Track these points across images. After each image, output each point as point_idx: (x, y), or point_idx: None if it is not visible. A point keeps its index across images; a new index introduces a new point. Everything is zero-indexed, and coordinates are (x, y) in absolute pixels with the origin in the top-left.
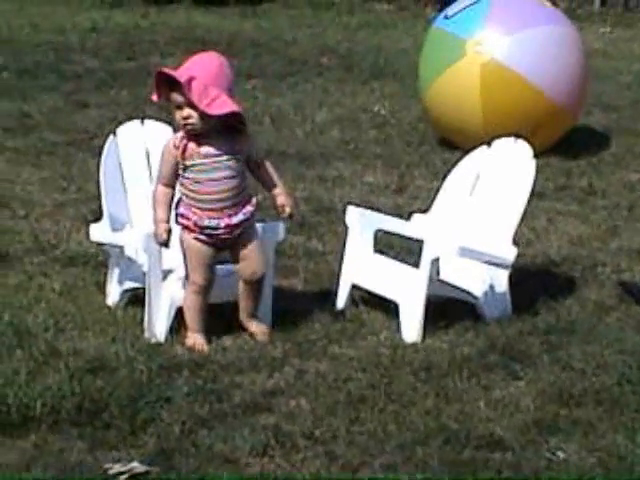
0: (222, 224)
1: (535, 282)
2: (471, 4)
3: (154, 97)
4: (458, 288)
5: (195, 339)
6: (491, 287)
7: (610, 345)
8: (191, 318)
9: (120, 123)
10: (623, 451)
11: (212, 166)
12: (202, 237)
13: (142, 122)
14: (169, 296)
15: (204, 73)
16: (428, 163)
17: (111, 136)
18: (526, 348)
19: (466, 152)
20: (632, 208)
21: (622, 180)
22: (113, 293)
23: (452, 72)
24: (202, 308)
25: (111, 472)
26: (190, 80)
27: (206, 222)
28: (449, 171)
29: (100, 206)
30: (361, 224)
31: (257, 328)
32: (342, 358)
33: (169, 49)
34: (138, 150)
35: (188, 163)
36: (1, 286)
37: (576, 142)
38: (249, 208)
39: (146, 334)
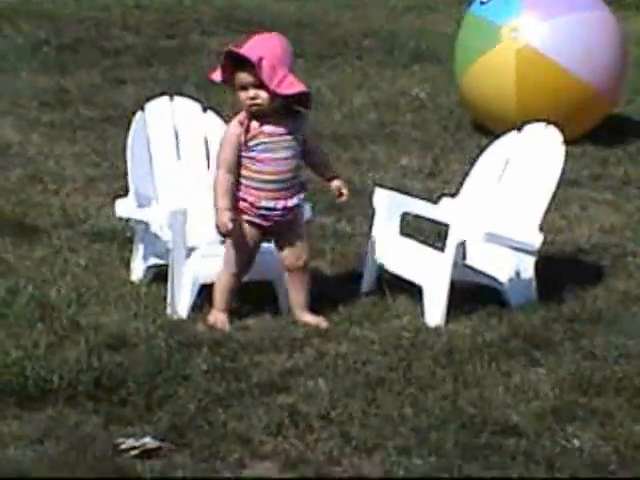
0: (279, 205)
1: (562, 270)
2: None
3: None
4: (483, 273)
5: (217, 317)
6: (517, 273)
7: (634, 335)
8: (220, 298)
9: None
10: (639, 440)
11: (276, 145)
12: (256, 220)
13: (171, 98)
14: (192, 273)
15: (270, 53)
16: (463, 148)
17: (139, 112)
18: (549, 335)
19: (498, 137)
20: None
21: None
22: (137, 269)
23: (487, 58)
24: (233, 290)
25: (123, 447)
26: (260, 60)
27: (263, 203)
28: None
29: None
30: (388, 206)
31: (313, 319)
32: (363, 340)
33: (211, 28)
34: (166, 126)
35: (251, 143)
36: (27, 259)
37: (613, 131)
38: (302, 193)
39: (168, 311)
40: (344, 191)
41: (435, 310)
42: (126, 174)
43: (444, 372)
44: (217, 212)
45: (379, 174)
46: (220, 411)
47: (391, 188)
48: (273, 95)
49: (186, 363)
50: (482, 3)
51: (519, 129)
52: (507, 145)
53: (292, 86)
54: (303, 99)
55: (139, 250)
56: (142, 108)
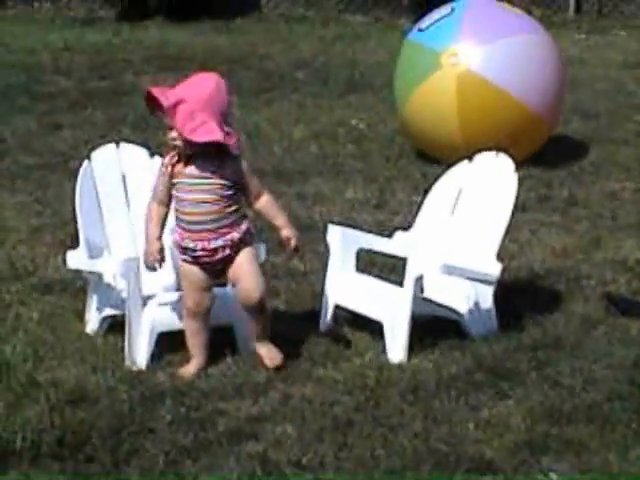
0: (199, 246)
1: (520, 296)
2: (444, 16)
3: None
4: (442, 306)
5: (186, 367)
6: (476, 304)
7: (598, 360)
8: (189, 344)
9: (95, 144)
10: (616, 469)
11: (194, 187)
12: (187, 258)
13: (117, 145)
14: (150, 322)
15: (194, 97)
16: (407, 177)
17: (85, 161)
18: (513, 366)
19: (446, 166)
20: (615, 218)
21: (603, 189)
22: (92, 321)
23: (428, 85)
24: (197, 332)
25: None
26: (176, 104)
27: (185, 242)
28: (429, 185)
29: (77, 231)
30: (343, 243)
31: (266, 353)
32: (327, 381)
33: (143, 67)
34: (113, 174)
35: (174, 181)
36: None
37: (555, 152)
38: (234, 235)
39: (127, 362)
40: (292, 242)
41: (397, 346)
42: (71, 222)
43: (412, 409)
44: (146, 241)
45: (326, 208)
46: (189, 463)
47: (339, 222)
48: (186, 141)
49: (150, 415)
50: (420, 30)
51: (470, 158)
52: (459, 175)
53: (208, 134)
54: (226, 148)
55: (93, 301)
56: (88, 157)
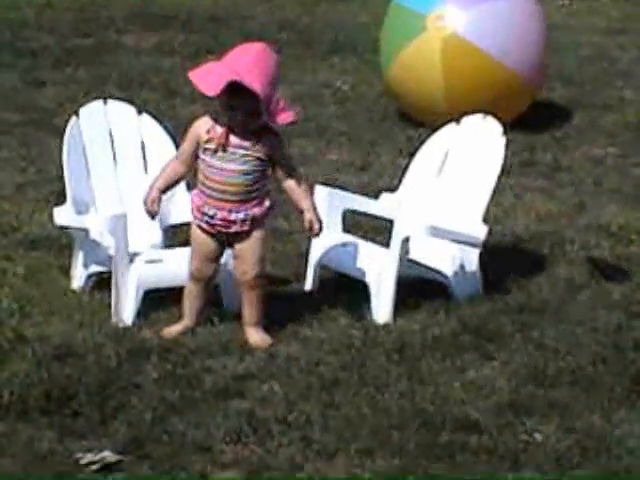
0: (219, 215)
1: (504, 260)
2: None
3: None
4: (428, 267)
5: (171, 326)
6: (461, 266)
7: (582, 323)
8: (184, 304)
9: (79, 102)
10: (600, 432)
11: (230, 155)
12: (202, 224)
13: (105, 102)
14: (136, 279)
15: (269, 79)
16: (391, 139)
17: (73, 117)
18: (498, 328)
19: (431, 128)
20: (598, 183)
21: (586, 155)
22: (78, 277)
23: (413, 47)
24: (194, 296)
25: (83, 462)
26: (264, 94)
27: (205, 209)
28: (413, 148)
29: (62, 188)
30: (329, 204)
31: (257, 338)
32: (313, 341)
33: (126, 26)
34: (101, 131)
35: (207, 145)
36: None
37: (539, 117)
38: (255, 210)
39: (113, 319)
40: (315, 226)
41: (383, 307)
42: (56, 178)
43: (398, 370)
44: (149, 189)
45: (310, 169)
46: (177, 420)
47: (324, 183)
48: (263, 122)
49: (137, 371)
50: None
51: (457, 121)
52: (446, 138)
53: (285, 116)
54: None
55: (79, 258)
56: (76, 113)
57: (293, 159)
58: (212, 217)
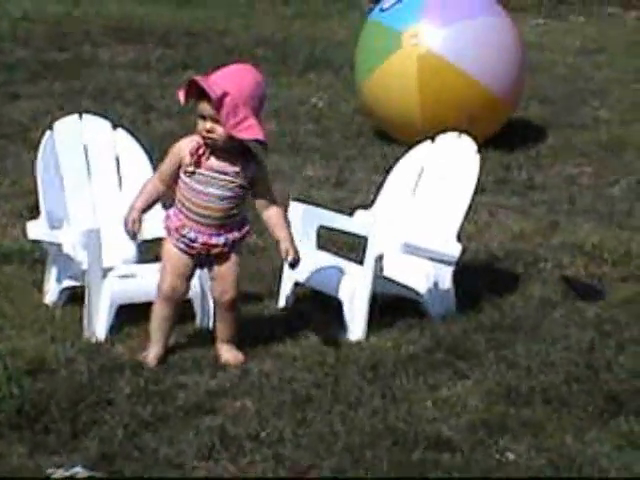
0: (200, 239)
1: (478, 278)
2: None
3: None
4: (402, 285)
5: (149, 351)
6: (435, 284)
7: (555, 342)
8: (152, 326)
9: (53, 116)
10: (572, 451)
11: (213, 180)
12: (180, 245)
13: (80, 116)
14: (109, 294)
15: (237, 90)
16: (366, 156)
17: (48, 131)
18: (472, 346)
19: (406, 145)
20: (572, 202)
21: (561, 174)
22: (51, 291)
23: (389, 65)
24: (164, 319)
25: (53, 477)
26: (223, 96)
27: (185, 231)
28: (389, 164)
29: (36, 201)
30: (304, 220)
31: (229, 355)
32: (286, 357)
33: (102, 39)
34: (76, 145)
35: (190, 169)
36: None
37: (514, 136)
38: (235, 234)
39: (86, 334)
40: (290, 256)
41: (356, 324)
42: (30, 192)
43: (371, 387)
44: (129, 209)
45: (285, 185)
46: (149, 436)
47: (299, 199)
48: (228, 135)
49: (109, 387)
50: (382, 10)
51: (432, 139)
52: (421, 155)
53: (250, 131)
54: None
55: (52, 272)
56: (50, 127)
57: (272, 187)
58: (192, 241)
